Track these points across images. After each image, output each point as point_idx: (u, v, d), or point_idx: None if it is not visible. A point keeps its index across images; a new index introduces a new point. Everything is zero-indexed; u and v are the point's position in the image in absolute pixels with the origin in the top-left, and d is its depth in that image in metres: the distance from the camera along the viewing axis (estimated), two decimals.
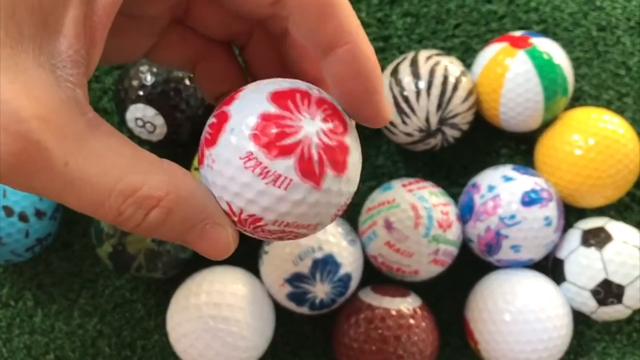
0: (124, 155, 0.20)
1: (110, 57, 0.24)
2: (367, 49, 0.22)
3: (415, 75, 0.42)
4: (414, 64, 0.43)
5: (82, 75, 0.20)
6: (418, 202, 0.41)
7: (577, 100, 0.49)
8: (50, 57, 0.19)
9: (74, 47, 0.20)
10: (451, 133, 0.43)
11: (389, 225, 0.41)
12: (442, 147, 0.44)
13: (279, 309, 0.44)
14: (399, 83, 0.43)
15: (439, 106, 0.42)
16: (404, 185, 0.43)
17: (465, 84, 0.43)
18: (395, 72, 0.43)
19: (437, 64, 0.42)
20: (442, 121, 0.42)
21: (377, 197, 0.43)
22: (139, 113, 0.41)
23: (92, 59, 0.21)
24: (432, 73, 0.42)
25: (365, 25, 0.48)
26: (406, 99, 0.42)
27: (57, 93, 0.19)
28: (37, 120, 0.18)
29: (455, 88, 0.42)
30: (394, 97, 0.43)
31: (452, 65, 0.43)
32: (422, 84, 0.42)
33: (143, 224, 0.20)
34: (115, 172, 0.19)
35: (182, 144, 0.44)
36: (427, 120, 0.42)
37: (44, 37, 0.19)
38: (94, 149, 0.19)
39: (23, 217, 0.41)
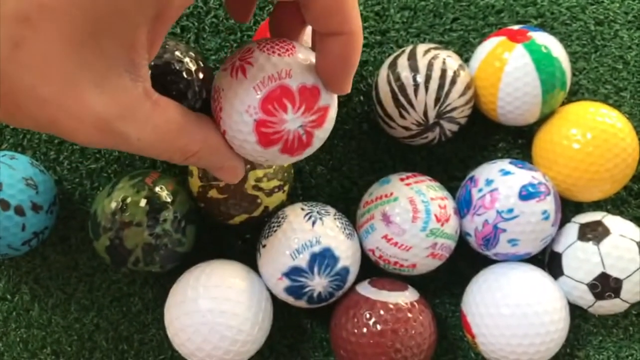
0: (176, 122, 0.28)
1: None
2: (360, 41, 0.29)
3: (414, 68, 0.42)
4: (412, 57, 0.43)
5: (146, 69, 0.27)
6: (416, 195, 0.41)
7: (575, 94, 0.49)
8: (125, 66, 0.25)
9: (142, 55, 0.26)
10: (449, 127, 0.43)
11: (386, 219, 0.41)
12: (440, 141, 0.44)
13: (276, 302, 0.44)
14: (397, 76, 0.42)
15: (437, 100, 0.42)
16: (401, 179, 0.43)
17: (463, 77, 0.43)
18: (393, 66, 0.43)
19: (435, 57, 0.42)
20: (440, 115, 0.42)
21: (375, 191, 0.43)
22: None
23: (152, 54, 0.28)
24: (430, 67, 0.42)
25: (363, 18, 0.48)
26: (404, 93, 0.42)
27: (132, 92, 0.26)
28: (120, 120, 0.26)
29: (453, 82, 0.42)
30: (392, 91, 0.43)
31: (450, 59, 0.43)
32: (420, 78, 0.42)
33: (185, 162, 0.30)
34: (168, 139, 0.28)
35: None
36: (425, 114, 0.42)
37: (120, 53, 0.25)
38: (156, 123, 0.27)
39: (19, 211, 0.41)
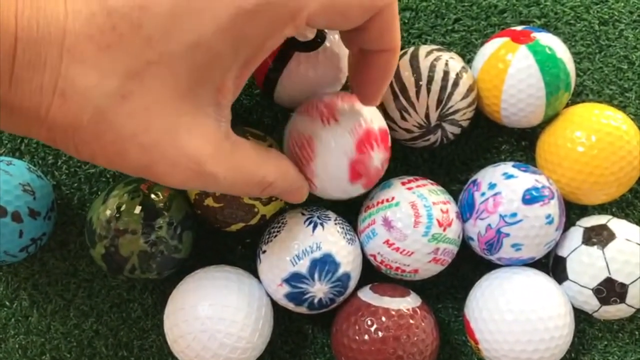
0: (252, 159, 0.32)
1: None
2: (397, 56, 0.34)
3: (416, 70, 0.41)
4: (414, 59, 0.42)
5: (229, 111, 0.30)
6: (418, 200, 0.41)
7: (579, 95, 0.48)
8: (213, 107, 0.28)
9: (228, 98, 0.29)
10: (451, 129, 0.42)
11: (388, 224, 0.41)
12: (442, 143, 0.44)
13: (277, 308, 0.43)
14: (398, 78, 0.42)
15: (439, 102, 0.41)
16: (403, 183, 0.42)
17: (465, 79, 0.42)
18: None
19: (437, 59, 0.42)
20: (441, 117, 0.42)
21: (376, 195, 0.43)
22: None
23: (235, 97, 0.30)
24: (432, 68, 0.41)
25: None
26: (406, 95, 0.41)
27: (217, 134, 0.29)
28: (210, 158, 0.29)
29: (455, 84, 0.41)
30: (393, 92, 0.42)
31: (452, 61, 0.42)
32: (422, 80, 0.41)
33: (261, 194, 0.34)
34: (248, 175, 0.32)
35: None
36: (427, 116, 0.41)
37: (210, 96, 0.28)
38: (236, 161, 0.31)
39: (16, 217, 0.41)
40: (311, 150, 0.37)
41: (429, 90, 0.41)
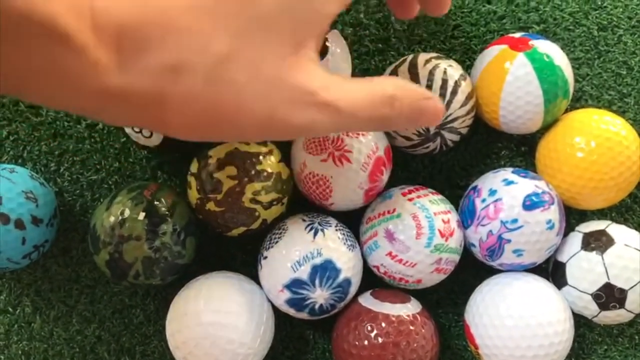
0: (361, 81, 0.31)
1: None
2: None
3: (414, 78, 0.42)
4: (412, 67, 0.42)
5: (317, 58, 0.31)
6: (419, 211, 0.41)
7: (578, 100, 0.48)
8: (313, 53, 0.30)
9: (315, 49, 0.31)
10: (450, 137, 0.43)
11: (390, 236, 0.41)
12: (441, 150, 0.44)
13: (278, 314, 0.43)
14: None
15: None
16: (403, 194, 0.42)
17: (464, 87, 0.42)
18: (393, 75, 0.43)
19: (436, 67, 0.42)
20: (441, 125, 0.42)
21: (377, 206, 0.43)
22: None
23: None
24: (430, 77, 0.41)
25: (364, 26, 0.48)
26: None
27: (322, 70, 0.30)
28: (322, 90, 0.29)
29: (454, 92, 0.42)
30: None
31: (451, 69, 0.42)
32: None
33: (394, 116, 0.31)
34: (366, 91, 0.31)
35: (179, 149, 0.44)
36: None
37: (310, 42, 0.30)
38: (349, 86, 0.30)
39: (19, 225, 0.41)
40: (328, 189, 0.41)
41: None
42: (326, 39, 0.42)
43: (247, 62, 0.27)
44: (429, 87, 0.41)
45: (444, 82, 0.41)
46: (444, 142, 0.43)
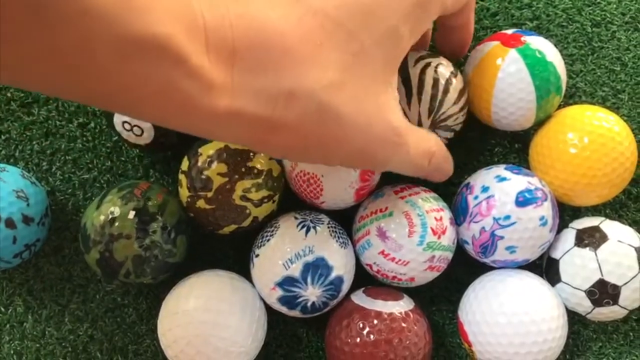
0: (418, 132, 0.36)
1: None
2: (472, 21, 0.42)
3: (405, 81, 0.41)
4: (402, 67, 0.42)
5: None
6: (411, 209, 0.41)
7: (572, 97, 0.48)
8: (395, 89, 0.33)
9: (396, 86, 0.34)
10: (444, 135, 0.42)
11: (382, 235, 0.41)
12: None
13: (270, 312, 0.43)
14: None
15: (430, 110, 0.41)
16: (396, 192, 0.42)
17: (456, 85, 0.42)
18: None
19: (426, 66, 0.42)
20: (434, 124, 0.42)
21: (370, 205, 0.43)
22: (126, 117, 0.41)
23: None
24: (421, 77, 0.41)
25: None
26: None
27: (400, 108, 0.34)
28: (405, 130, 0.33)
29: (446, 91, 0.41)
30: None
31: (441, 67, 0.42)
32: (413, 90, 0.41)
33: (426, 168, 0.36)
34: (425, 142, 0.36)
35: (171, 147, 0.44)
36: (420, 124, 0.41)
37: (395, 78, 0.33)
38: (418, 133, 0.36)
39: (10, 224, 0.41)
40: (319, 187, 0.41)
41: (419, 100, 0.40)
42: None
43: (352, 94, 0.29)
44: (420, 87, 0.41)
45: (435, 81, 0.41)
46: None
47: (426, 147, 0.35)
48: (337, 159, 0.32)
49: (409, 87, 0.40)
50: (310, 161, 0.32)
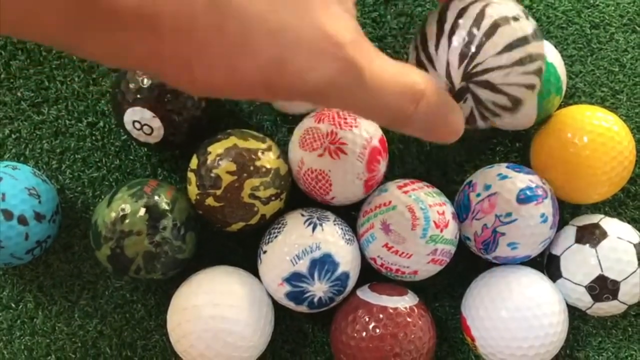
0: (393, 65, 0.25)
1: None
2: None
3: (442, 15, 0.31)
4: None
5: (354, 6, 0.25)
6: (414, 203, 0.42)
7: (572, 97, 0.49)
8: (342, 3, 0.24)
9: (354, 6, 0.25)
10: (488, 97, 0.30)
11: (386, 228, 0.42)
12: (485, 119, 0.32)
13: (277, 308, 0.44)
14: (421, 28, 0.33)
15: (463, 56, 0.30)
16: (399, 187, 0.43)
17: (510, 31, 0.30)
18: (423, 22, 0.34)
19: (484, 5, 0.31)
20: (467, 77, 0.30)
21: (374, 199, 0.44)
22: (137, 116, 0.42)
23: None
24: (461, 12, 0.31)
25: (361, 25, 0.48)
26: (425, 46, 0.32)
27: (354, 23, 0.24)
28: (352, 45, 0.23)
29: (490, 33, 0.30)
30: (415, 48, 0.33)
31: (499, 6, 0.30)
32: (447, 25, 0.30)
33: (414, 114, 0.26)
34: (395, 77, 0.25)
35: (180, 145, 0.45)
36: (449, 74, 0.31)
37: (350, 2, 0.25)
38: (379, 63, 0.24)
39: (22, 220, 0.42)
40: (327, 183, 0.42)
41: (450, 41, 0.30)
42: None
43: None
44: (456, 24, 0.30)
45: (478, 17, 0.30)
46: (482, 105, 0.31)
47: (407, 82, 0.25)
48: (249, 74, 0.22)
49: (441, 23, 0.31)
50: (217, 82, 0.22)
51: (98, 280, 0.47)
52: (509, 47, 0.29)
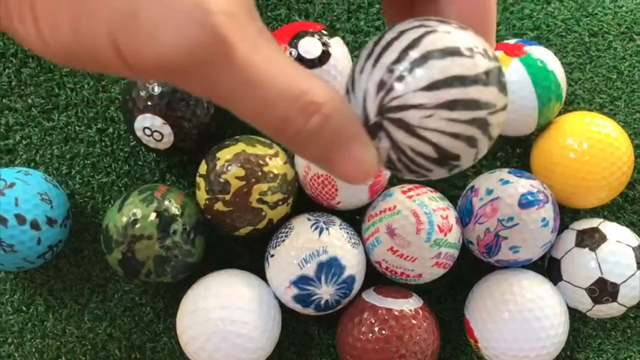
0: (287, 64, 0.20)
1: None
2: None
3: (379, 38, 0.25)
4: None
5: None
6: (418, 208, 0.43)
7: (571, 104, 0.50)
8: None
9: None
10: (404, 139, 0.22)
11: (391, 232, 0.43)
12: (403, 162, 0.23)
13: (284, 310, 0.45)
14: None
15: (381, 85, 0.23)
16: (403, 192, 0.44)
17: (454, 63, 0.23)
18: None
19: (427, 33, 0.24)
20: (383, 110, 0.22)
21: (379, 204, 0.45)
22: (147, 122, 0.43)
23: None
24: (400, 36, 0.24)
25: (365, 33, 0.50)
26: (351, 74, 0.25)
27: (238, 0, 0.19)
28: (224, 16, 0.18)
29: (423, 59, 0.23)
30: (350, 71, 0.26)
31: (446, 35, 0.24)
32: (375, 49, 0.24)
33: (303, 130, 0.20)
34: (284, 76, 0.20)
35: (189, 151, 0.45)
36: (365, 105, 0.23)
37: None
38: (265, 54, 0.19)
39: (35, 225, 0.42)
40: (334, 188, 0.43)
41: (377, 62, 0.23)
42: (328, 44, 0.43)
43: None
44: (388, 44, 0.24)
45: (412, 44, 0.23)
46: (398, 148, 0.22)
47: (300, 89, 0.20)
48: (95, 31, 0.18)
49: (375, 44, 0.24)
50: (64, 43, 0.18)
51: (107, 283, 0.48)
52: (437, 85, 0.23)
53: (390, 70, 0.23)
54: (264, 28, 0.20)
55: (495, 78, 0.23)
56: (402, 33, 0.24)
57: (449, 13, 0.24)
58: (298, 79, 0.20)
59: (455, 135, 0.23)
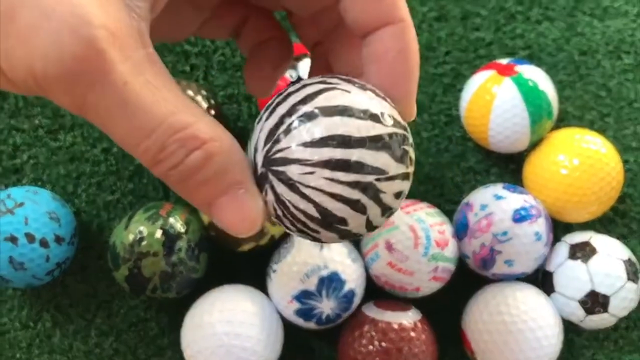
0: (175, 95, 0.19)
1: (163, 33, 0.25)
2: (413, 31, 0.23)
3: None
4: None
5: (147, 10, 0.19)
6: (416, 223, 0.44)
7: (562, 120, 0.52)
8: None
9: None
10: (284, 192, 0.21)
11: (389, 247, 0.44)
12: (287, 220, 0.22)
13: (285, 324, 0.46)
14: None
15: (269, 135, 0.22)
16: (401, 208, 0.45)
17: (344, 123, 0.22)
18: None
19: (326, 89, 0.23)
20: (267, 162, 0.21)
21: None
22: None
23: (157, 1, 0.20)
24: (303, 89, 0.23)
25: None
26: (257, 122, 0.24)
27: (125, 17, 0.18)
28: (105, 31, 0.17)
29: (311, 116, 0.22)
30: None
31: (342, 92, 0.23)
32: (275, 101, 0.23)
33: (181, 165, 0.19)
34: (168, 105, 0.19)
35: None
36: (254, 157, 0.22)
37: None
38: (151, 80, 0.18)
39: (44, 243, 0.44)
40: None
41: (271, 113, 0.23)
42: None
43: None
44: (286, 97, 0.23)
45: (309, 96, 0.22)
46: (278, 199, 0.22)
47: (183, 122, 0.19)
48: (11, 39, 0.17)
49: (278, 95, 0.23)
50: None
51: (113, 299, 0.49)
52: (320, 142, 0.21)
53: (281, 122, 0.22)
54: (155, 57, 0.19)
55: (391, 145, 0.22)
56: (303, 87, 0.23)
57: (369, 74, 0.23)
58: (184, 111, 0.19)
59: (336, 197, 0.22)
